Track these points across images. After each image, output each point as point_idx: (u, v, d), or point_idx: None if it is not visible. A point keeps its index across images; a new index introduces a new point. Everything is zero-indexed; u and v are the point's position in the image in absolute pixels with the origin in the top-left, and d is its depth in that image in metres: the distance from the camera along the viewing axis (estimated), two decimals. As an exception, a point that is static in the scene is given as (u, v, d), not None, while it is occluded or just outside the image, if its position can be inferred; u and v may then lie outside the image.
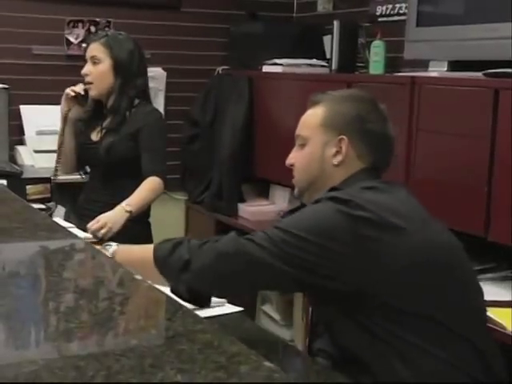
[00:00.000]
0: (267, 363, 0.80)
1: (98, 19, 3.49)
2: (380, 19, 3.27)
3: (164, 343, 0.89)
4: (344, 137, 1.55)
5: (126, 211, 2.34)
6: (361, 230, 1.39)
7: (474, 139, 2.23)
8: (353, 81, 2.82)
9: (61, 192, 3.03)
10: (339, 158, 1.55)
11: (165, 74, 3.63)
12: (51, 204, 2.71)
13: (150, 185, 2.43)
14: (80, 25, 3.47)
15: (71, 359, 0.85)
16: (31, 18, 3.38)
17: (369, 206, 1.41)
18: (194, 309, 1.52)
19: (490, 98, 2.16)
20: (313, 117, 1.61)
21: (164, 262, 1.53)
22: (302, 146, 1.62)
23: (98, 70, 2.51)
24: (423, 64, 2.67)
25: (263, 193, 3.52)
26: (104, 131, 2.54)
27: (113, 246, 1.80)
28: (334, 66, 3.12)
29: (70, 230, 1.93)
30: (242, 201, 3.46)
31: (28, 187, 2.85)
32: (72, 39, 3.47)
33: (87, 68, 2.53)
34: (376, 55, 2.95)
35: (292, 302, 3.25)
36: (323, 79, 3.09)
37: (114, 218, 2.30)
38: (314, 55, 3.31)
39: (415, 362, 1.37)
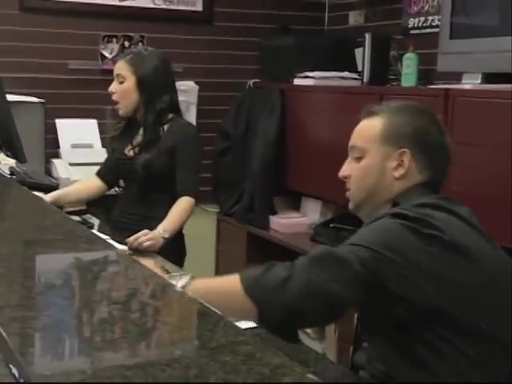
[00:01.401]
0: (310, 375, 0.80)
1: (131, 34, 3.55)
2: (412, 31, 3.27)
3: (207, 354, 0.90)
4: (406, 150, 1.52)
5: (163, 237, 2.35)
6: (431, 248, 1.38)
7: (509, 151, 2.21)
8: (385, 93, 2.82)
9: (95, 204, 3.08)
10: (401, 171, 1.53)
11: (197, 87, 3.67)
12: (87, 216, 2.74)
13: (182, 206, 2.46)
14: (114, 40, 3.53)
15: (118, 369, 0.86)
16: (67, 34, 3.45)
17: (438, 225, 1.39)
18: (235, 320, 1.53)
19: (526, 110, 2.15)
20: (371, 128, 1.57)
21: (256, 282, 1.42)
22: (359, 158, 1.57)
23: (123, 88, 2.53)
24: (456, 76, 2.66)
25: (295, 205, 3.53)
26: (138, 147, 2.56)
27: (184, 277, 1.66)
28: (365, 79, 3.13)
29: (108, 241, 1.96)
30: (274, 213, 3.47)
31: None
32: (106, 54, 3.53)
33: (113, 86, 2.55)
34: (408, 67, 2.95)
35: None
36: (355, 92, 3.09)
37: (154, 239, 2.33)
38: (345, 68, 3.32)
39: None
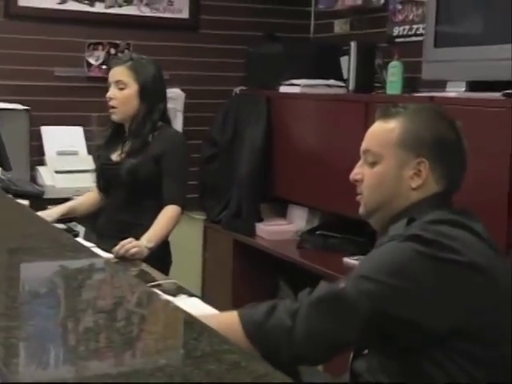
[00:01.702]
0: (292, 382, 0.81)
1: (117, 41, 3.55)
2: (397, 40, 3.30)
3: (192, 363, 0.90)
4: (425, 160, 1.46)
5: (147, 248, 2.32)
6: (447, 273, 1.34)
7: (493, 159, 2.23)
8: (370, 101, 2.84)
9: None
10: (418, 181, 1.47)
11: (183, 94, 3.67)
12: (72, 224, 2.72)
13: (168, 215, 2.45)
14: (100, 47, 3.53)
15: (102, 378, 0.86)
16: (52, 41, 3.44)
17: (455, 246, 1.36)
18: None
19: (509, 118, 2.17)
20: (387, 133, 1.50)
21: (259, 329, 1.36)
22: (374, 163, 1.51)
23: (124, 95, 2.51)
24: (441, 84, 2.68)
25: (281, 212, 3.54)
26: (125, 153, 2.55)
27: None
28: (351, 87, 3.15)
29: (93, 249, 1.96)
30: (260, 220, 3.47)
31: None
32: (92, 61, 3.52)
33: (112, 92, 2.52)
34: (393, 75, 2.97)
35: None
36: (340, 99, 3.11)
37: (140, 246, 2.31)
38: (331, 76, 3.33)
39: None
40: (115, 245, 2.43)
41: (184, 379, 0.84)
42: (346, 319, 1.34)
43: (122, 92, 2.52)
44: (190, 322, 1.07)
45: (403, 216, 1.46)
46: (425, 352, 1.35)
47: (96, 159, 2.68)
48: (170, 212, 2.46)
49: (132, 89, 2.51)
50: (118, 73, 2.53)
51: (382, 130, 1.52)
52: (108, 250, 2.32)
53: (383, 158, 1.49)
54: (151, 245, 2.35)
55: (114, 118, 2.56)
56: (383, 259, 1.38)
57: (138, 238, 2.43)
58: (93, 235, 2.66)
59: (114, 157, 2.59)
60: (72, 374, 0.90)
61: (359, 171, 1.55)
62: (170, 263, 2.66)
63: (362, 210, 1.56)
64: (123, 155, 2.56)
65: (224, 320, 1.44)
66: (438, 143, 1.47)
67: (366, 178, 1.53)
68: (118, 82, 2.52)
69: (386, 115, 1.53)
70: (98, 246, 2.30)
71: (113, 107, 2.53)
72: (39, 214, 2.43)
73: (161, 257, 2.55)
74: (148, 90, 2.52)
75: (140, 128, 2.53)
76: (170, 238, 2.66)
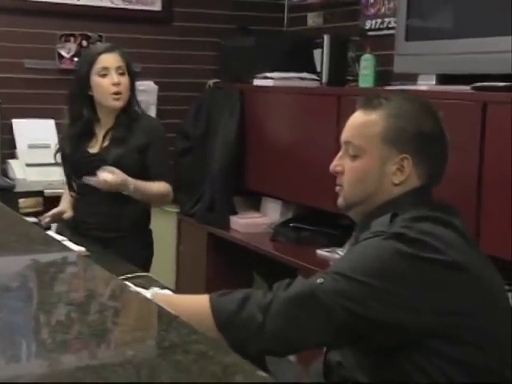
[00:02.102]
0: (261, 373, 0.81)
1: (89, 33, 3.52)
2: (369, 33, 3.31)
3: (160, 354, 0.91)
4: (408, 156, 1.44)
5: (134, 182, 2.37)
6: (429, 273, 1.33)
7: (462, 152, 2.25)
8: (343, 94, 2.85)
9: (53, 205, 3.04)
10: (401, 177, 1.45)
11: (156, 87, 3.66)
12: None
13: (159, 184, 2.48)
14: (72, 39, 3.50)
15: (69, 371, 0.86)
16: (23, 33, 3.40)
17: (437, 245, 1.34)
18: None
19: (478, 112, 2.20)
20: (370, 126, 1.47)
21: (230, 322, 1.35)
22: (355, 156, 1.48)
23: (127, 81, 2.50)
24: (413, 77, 2.70)
25: (255, 205, 3.54)
26: (107, 142, 2.50)
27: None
28: (324, 80, 3.16)
29: (64, 243, 1.94)
30: (234, 213, 3.47)
31: (20, 201, 2.85)
32: (64, 53, 3.49)
33: (117, 78, 2.46)
34: (366, 69, 2.98)
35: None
36: (314, 93, 3.12)
37: (122, 176, 2.36)
38: (304, 69, 3.34)
39: None
40: (100, 238, 2.43)
41: (151, 370, 0.84)
42: (318, 320, 1.32)
43: (124, 78, 2.49)
44: (160, 313, 1.07)
45: (384, 210, 1.45)
46: (402, 352, 1.34)
47: (69, 153, 2.59)
48: (162, 184, 2.49)
49: (127, 75, 2.51)
50: (117, 59, 2.50)
51: (365, 123, 1.48)
52: (92, 245, 2.33)
53: (365, 152, 1.46)
54: (131, 186, 2.38)
55: (118, 104, 2.49)
56: (364, 258, 1.36)
57: (123, 231, 2.48)
58: (66, 229, 2.63)
59: (92, 149, 2.54)
60: (39, 366, 0.89)
61: (340, 163, 1.51)
62: (152, 254, 2.65)
63: (341, 202, 1.53)
64: (104, 146, 2.51)
65: (195, 304, 1.43)
66: (422, 138, 1.45)
67: (346, 170, 1.50)
68: (118, 68, 2.48)
69: (369, 106, 1.49)
70: (71, 240, 2.29)
71: (118, 93, 2.47)
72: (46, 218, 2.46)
73: (144, 245, 2.58)
74: (134, 78, 2.54)
75: (131, 115, 2.50)
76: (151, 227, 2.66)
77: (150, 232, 2.65)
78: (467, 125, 2.25)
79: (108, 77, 2.46)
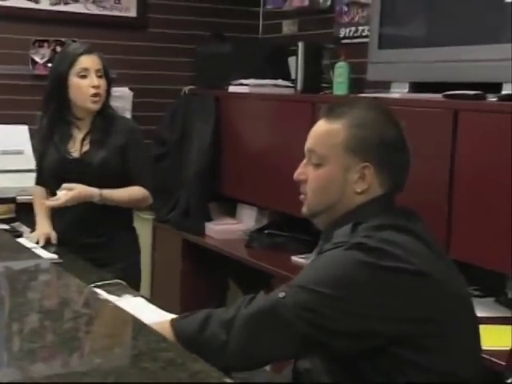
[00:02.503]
0: (228, 380, 0.81)
1: (63, 39, 3.49)
2: (343, 41, 3.34)
3: (128, 362, 0.90)
4: (369, 165, 1.45)
5: (100, 194, 2.36)
6: (390, 281, 1.34)
7: (434, 159, 2.28)
8: (317, 101, 2.87)
9: (26, 212, 3.01)
10: (363, 186, 1.46)
11: (131, 93, 3.65)
12: (16, 224, 2.68)
13: (134, 189, 2.47)
14: (46, 44, 3.47)
15: (36, 379, 0.86)
16: (-4, 38, 3.37)
17: (398, 253, 1.35)
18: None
19: (450, 119, 2.22)
20: (332, 136, 1.48)
21: (193, 341, 1.31)
22: (318, 165, 1.49)
23: (104, 84, 2.47)
24: (386, 85, 2.73)
25: (230, 212, 3.54)
26: (87, 146, 2.47)
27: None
28: (299, 87, 3.17)
29: (35, 250, 1.93)
30: (209, 219, 3.47)
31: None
32: (37, 59, 3.46)
33: (97, 80, 2.44)
34: (340, 76, 3.00)
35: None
36: (288, 99, 3.13)
37: (84, 190, 2.34)
38: (279, 76, 3.35)
39: None
40: (86, 246, 2.42)
41: (118, 378, 0.84)
42: (280, 335, 1.34)
43: (102, 80, 2.48)
44: (129, 321, 1.07)
45: (347, 219, 1.46)
46: (367, 358, 1.35)
47: (48, 157, 2.52)
48: (137, 189, 2.48)
49: (104, 76, 2.49)
50: (96, 61, 2.48)
51: (327, 132, 1.49)
52: (80, 251, 2.34)
53: (328, 161, 1.48)
54: (100, 197, 2.37)
55: (95, 107, 2.46)
56: (325, 269, 1.37)
57: (113, 234, 2.48)
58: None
59: (73, 153, 2.49)
60: (7, 375, 0.88)
61: (303, 171, 1.53)
62: (139, 252, 2.65)
63: (304, 210, 1.55)
64: (85, 150, 2.47)
65: (158, 329, 1.43)
66: (384, 147, 1.46)
67: (309, 179, 1.51)
68: (98, 71, 2.47)
69: (331, 115, 1.50)
70: (60, 253, 2.26)
71: (97, 95, 2.45)
72: (35, 239, 2.38)
73: (128, 243, 2.56)
74: (110, 79, 2.53)
75: (106, 118, 2.49)
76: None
77: (133, 230, 2.65)
78: (439, 132, 2.28)
79: (87, 78, 2.44)
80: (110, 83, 2.55)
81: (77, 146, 2.49)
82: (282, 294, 1.36)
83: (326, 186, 1.49)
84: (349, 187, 1.47)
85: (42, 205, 2.52)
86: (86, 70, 2.44)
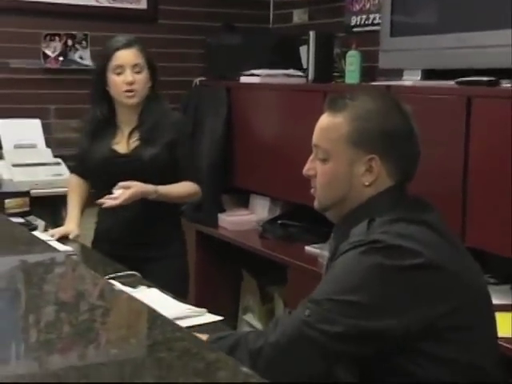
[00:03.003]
0: (244, 369, 0.81)
1: (74, 32, 3.50)
2: (355, 29, 3.32)
3: (143, 352, 0.91)
4: (375, 156, 1.44)
5: (153, 192, 2.34)
6: (411, 278, 1.33)
7: (447, 146, 2.27)
8: (329, 90, 2.85)
9: (40, 205, 3.02)
10: (370, 178, 1.45)
11: (143, 86, 3.64)
12: (31, 218, 2.69)
13: (187, 184, 2.46)
14: (57, 38, 3.48)
15: (52, 368, 0.86)
16: (8, 32, 3.38)
17: (416, 248, 1.34)
18: (174, 318, 1.53)
19: (463, 106, 2.21)
20: (335, 129, 1.47)
21: None
22: (324, 160, 1.49)
23: (142, 78, 2.44)
24: (398, 73, 2.71)
25: (243, 203, 3.54)
26: (137, 142, 2.45)
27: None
28: (310, 76, 3.16)
29: (50, 243, 1.94)
30: (222, 211, 3.47)
31: (6, 201, 2.82)
32: (49, 53, 3.47)
33: (131, 76, 2.41)
34: (351, 65, 2.99)
35: (273, 310, 3.27)
36: (300, 89, 3.12)
37: (141, 188, 2.32)
38: (290, 65, 3.34)
39: None
40: (134, 244, 2.42)
41: (134, 368, 0.84)
42: (309, 357, 1.33)
43: (140, 75, 2.44)
44: (143, 311, 1.07)
45: (359, 214, 1.45)
46: (389, 357, 1.35)
47: (94, 154, 2.48)
48: (189, 184, 2.47)
49: (145, 72, 2.46)
50: (134, 56, 2.44)
51: (330, 126, 1.48)
52: (131, 251, 2.36)
53: (333, 155, 1.47)
54: (155, 194, 2.34)
55: (131, 101, 2.44)
56: (346, 277, 1.36)
57: (162, 231, 2.47)
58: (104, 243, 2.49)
59: (120, 149, 2.47)
60: (21, 365, 0.89)
61: (311, 166, 1.53)
62: (188, 277, 2.63)
63: (316, 204, 1.55)
64: (135, 146, 2.45)
65: None
66: (389, 137, 1.45)
67: (318, 174, 1.51)
68: (135, 66, 2.43)
69: (334, 107, 1.49)
70: (111, 253, 2.29)
71: (131, 91, 2.42)
72: (58, 234, 2.38)
73: (173, 235, 2.55)
74: (155, 73, 2.50)
75: (153, 112, 2.46)
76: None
77: (179, 221, 2.64)
78: (452, 119, 2.26)
79: (123, 75, 2.42)
80: (155, 75, 2.50)
81: (124, 142, 2.47)
82: (307, 312, 1.35)
83: (333, 181, 1.49)
84: (356, 180, 1.46)
85: (75, 196, 2.53)
86: (120, 66, 2.43)
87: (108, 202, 2.31)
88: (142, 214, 2.42)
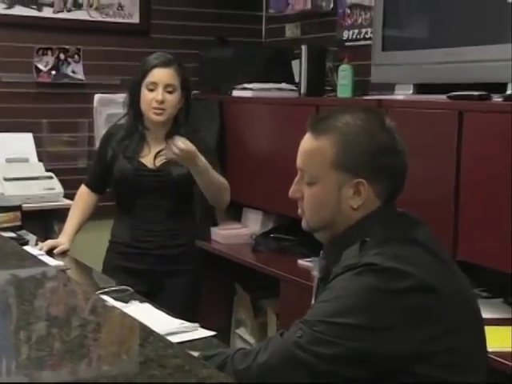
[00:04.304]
0: (237, 386, 0.81)
1: (67, 46, 3.50)
2: (347, 44, 3.34)
3: (135, 369, 0.90)
4: (362, 180, 1.42)
5: (200, 161, 2.36)
6: (405, 301, 1.32)
7: (439, 160, 2.28)
8: (321, 104, 2.86)
9: (32, 220, 3.01)
10: (359, 201, 1.43)
11: (135, 99, 3.64)
12: (23, 232, 2.68)
13: (220, 176, 2.50)
14: (49, 52, 3.48)
15: (42, 387, 0.85)
16: (0, 46, 3.38)
17: (410, 270, 1.33)
18: (166, 334, 1.52)
19: (455, 120, 2.22)
20: (320, 155, 1.44)
21: None
22: (311, 183, 1.46)
23: (173, 99, 2.47)
24: (390, 87, 2.72)
25: (236, 216, 3.54)
26: (164, 160, 2.46)
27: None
28: (302, 90, 3.17)
29: (41, 257, 1.93)
30: (215, 224, 3.47)
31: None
32: (41, 67, 3.47)
33: (163, 96, 2.44)
34: (343, 79, 3.00)
35: (266, 324, 3.26)
36: (292, 103, 3.13)
37: (196, 152, 2.34)
38: (283, 79, 3.35)
39: None
40: (161, 256, 2.46)
41: (126, 385, 0.83)
42: (299, 379, 1.31)
43: (172, 95, 2.47)
44: (136, 327, 1.07)
45: (350, 235, 1.43)
46: (379, 381, 1.33)
47: (121, 166, 2.49)
48: (222, 177, 2.51)
49: (178, 92, 2.49)
50: (169, 76, 2.47)
51: (315, 150, 1.45)
52: (149, 268, 2.44)
53: (320, 180, 1.45)
54: (202, 161, 2.36)
55: (158, 119, 2.46)
56: (339, 299, 1.35)
57: (180, 246, 2.51)
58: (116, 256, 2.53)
59: (147, 163, 2.49)
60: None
61: (297, 188, 1.50)
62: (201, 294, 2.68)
63: (304, 225, 1.52)
64: (162, 162, 2.47)
65: None
66: (376, 158, 1.42)
67: (305, 197, 1.48)
68: (168, 85, 2.46)
69: (317, 129, 1.46)
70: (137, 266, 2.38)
71: (160, 109, 2.45)
72: (53, 249, 2.39)
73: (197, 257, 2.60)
74: (189, 95, 2.54)
75: (182, 133, 2.46)
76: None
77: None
78: (444, 133, 2.27)
79: (154, 92, 2.45)
80: (189, 97, 2.53)
81: (150, 158, 2.49)
82: (299, 333, 1.33)
83: (320, 205, 1.46)
84: (344, 204, 1.44)
85: (78, 211, 2.55)
86: (154, 83, 2.46)
87: (168, 152, 2.34)
88: (162, 224, 2.47)
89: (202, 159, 2.37)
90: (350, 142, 1.43)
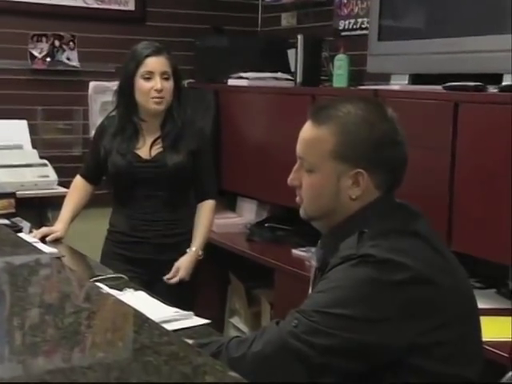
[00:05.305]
0: (232, 373, 0.81)
1: (62, 33, 3.48)
2: (343, 33, 3.33)
3: (130, 355, 0.90)
4: (362, 171, 1.41)
5: (199, 256, 2.53)
6: (403, 293, 1.31)
7: (434, 151, 2.28)
8: (317, 94, 2.86)
9: (26, 207, 3.01)
10: (357, 192, 1.42)
11: (130, 87, 3.63)
12: (17, 219, 2.67)
13: (209, 214, 2.58)
14: (44, 39, 3.46)
15: (38, 374, 0.85)
16: (-6, 32, 3.36)
17: (408, 262, 1.32)
18: (161, 321, 1.52)
19: (450, 111, 2.22)
20: (320, 144, 1.43)
21: None
22: (310, 171, 1.46)
23: (170, 86, 2.47)
24: (386, 77, 2.72)
25: (230, 205, 3.54)
26: (160, 149, 2.47)
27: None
28: (298, 79, 3.16)
29: (35, 245, 1.92)
30: (209, 213, 3.46)
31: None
32: (36, 53, 3.45)
33: (160, 83, 2.43)
34: (339, 69, 2.99)
35: (260, 314, 3.27)
36: (288, 92, 3.12)
37: (189, 266, 2.51)
38: (278, 69, 3.34)
39: None
40: (160, 245, 2.48)
41: (121, 372, 0.83)
42: (292, 369, 1.31)
43: (168, 83, 2.47)
44: (131, 314, 1.07)
45: (347, 227, 1.43)
46: (374, 372, 1.33)
47: (116, 157, 2.48)
48: (208, 209, 2.57)
49: (172, 80, 2.49)
50: (163, 63, 2.47)
51: (315, 139, 1.44)
52: (148, 257, 2.46)
53: (319, 168, 1.44)
54: (201, 253, 2.54)
55: (158, 108, 2.46)
56: (336, 290, 1.34)
57: (179, 235, 2.53)
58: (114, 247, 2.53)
59: (142, 154, 2.48)
60: (6, 369, 0.88)
61: (296, 176, 1.49)
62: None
63: (302, 213, 1.51)
64: (158, 152, 2.48)
65: None
66: (375, 148, 1.41)
67: (304, 185, 1.48)
68: (163, 73, 2.46)
69: (318, 118, 1.45)
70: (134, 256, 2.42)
71: (160, 97, 2.44)
72: (46, 236, 2.40)
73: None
74: (180, 83, 2.54)
75: (177, 120, 2.48)
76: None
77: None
78: (439, 124, 2.28)
79: (151, 81, 2.44)
80: (180, 84, 2.54)
81: (146, 148, 2.49)
82: (294, 323, 1.33)
83: (319, 193, 1.46)
84: (343, 194, 1.43)
85: (73, 199, 2.56)
86: (150, 73, 2.45)
87: (173, 280, 2.48)
88: (159, 215, 2.49)
89: (199, 255, 2.55)
90: (350, 131, 1.42)
